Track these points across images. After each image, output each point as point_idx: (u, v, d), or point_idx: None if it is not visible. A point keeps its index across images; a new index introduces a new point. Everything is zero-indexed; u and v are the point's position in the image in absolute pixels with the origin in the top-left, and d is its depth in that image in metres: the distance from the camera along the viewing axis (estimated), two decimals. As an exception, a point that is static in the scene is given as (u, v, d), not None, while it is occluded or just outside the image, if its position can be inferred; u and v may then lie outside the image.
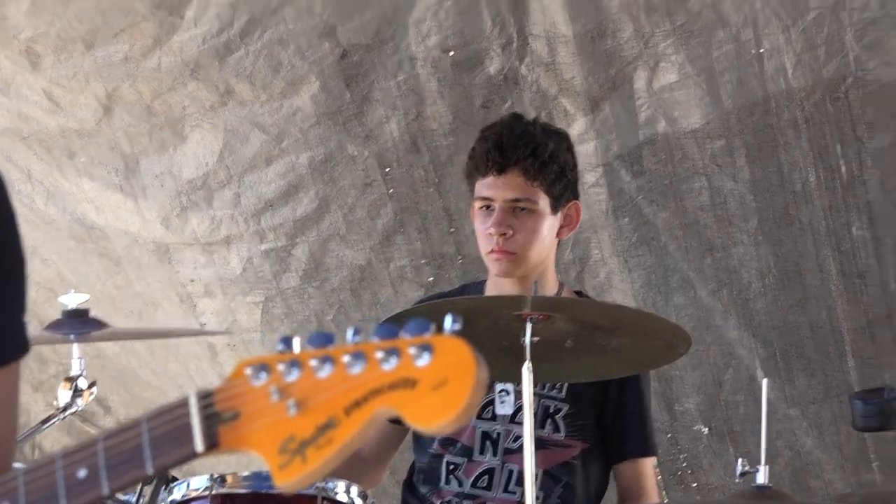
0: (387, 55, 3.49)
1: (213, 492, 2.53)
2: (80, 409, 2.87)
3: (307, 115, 3.55)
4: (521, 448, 2.60)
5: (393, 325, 0.85)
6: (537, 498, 2.63)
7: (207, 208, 3.68)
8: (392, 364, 0.82)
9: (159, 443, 0.89)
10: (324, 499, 2.48)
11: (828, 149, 3.43)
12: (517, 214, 2.71)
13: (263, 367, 0.86)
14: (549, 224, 2.75)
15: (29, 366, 3.76)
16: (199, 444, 0.86)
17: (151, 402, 3.94)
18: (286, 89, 3.53)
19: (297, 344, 0.87)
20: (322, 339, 0.87)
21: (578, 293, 2.99)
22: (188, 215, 3.69)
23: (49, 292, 3.66)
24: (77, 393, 2.81)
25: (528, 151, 2.70)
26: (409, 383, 0.81)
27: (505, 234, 2.68)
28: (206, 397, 0.87)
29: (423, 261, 3.72)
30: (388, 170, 3.61)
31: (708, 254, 3.59)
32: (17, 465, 1.23)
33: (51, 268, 3.87)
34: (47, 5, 3.44)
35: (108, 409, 4.09)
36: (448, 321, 0.83)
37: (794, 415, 3.64)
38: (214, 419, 0.86)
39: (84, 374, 2.84)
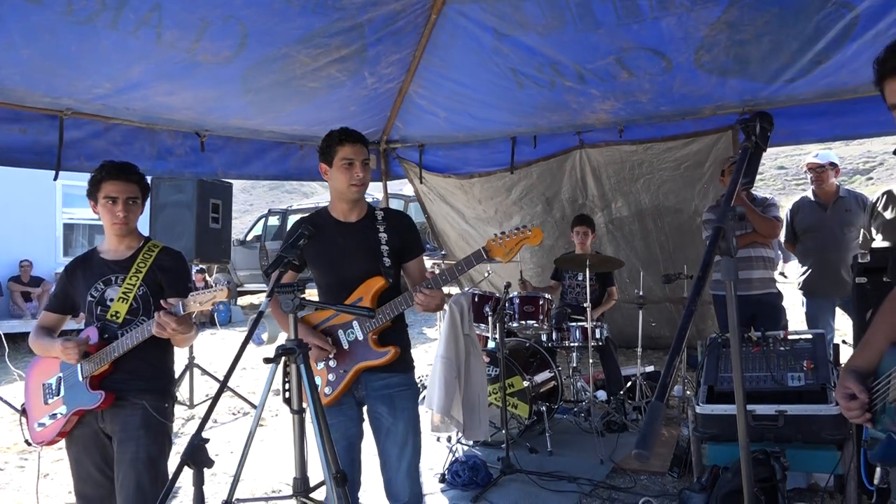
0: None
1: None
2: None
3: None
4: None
5: (521, 227, 3.78)
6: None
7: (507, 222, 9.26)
8: (525, 233, 3.80)
9: (475, 255, 3.76)
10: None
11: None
12: None
13: (494, 239, 3.81)
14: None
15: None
16: (484, 257, 3.73)
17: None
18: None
19: (499, 233, 3.81)
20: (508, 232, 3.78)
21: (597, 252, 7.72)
22: (501, 217, 8.93)
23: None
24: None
25: None
26: (527, 237, 3.80)
27: None
28: (485, 247, 3.78)
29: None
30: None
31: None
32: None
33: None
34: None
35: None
36: (531, 227, 3.75)
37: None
38: (485, 250, 3.80)
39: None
